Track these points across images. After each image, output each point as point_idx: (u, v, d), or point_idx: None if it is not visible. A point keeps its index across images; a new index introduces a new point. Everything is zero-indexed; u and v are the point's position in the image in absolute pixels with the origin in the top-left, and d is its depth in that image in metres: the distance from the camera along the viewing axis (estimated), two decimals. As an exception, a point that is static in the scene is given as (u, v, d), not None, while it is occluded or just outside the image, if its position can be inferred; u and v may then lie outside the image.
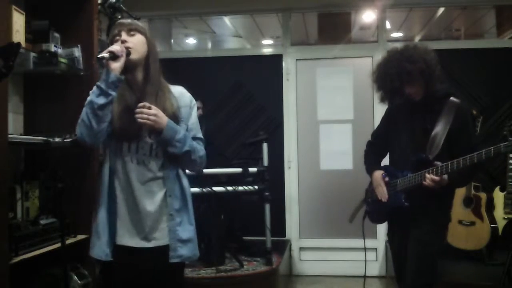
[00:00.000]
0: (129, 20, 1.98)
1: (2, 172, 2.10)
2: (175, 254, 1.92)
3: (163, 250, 1.92)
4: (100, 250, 1.92)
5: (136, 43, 1.91)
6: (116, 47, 1.85)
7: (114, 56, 1.83)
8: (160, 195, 1.93)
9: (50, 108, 2.88)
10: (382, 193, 2.57)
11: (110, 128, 1.90)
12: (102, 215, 1.94)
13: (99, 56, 1.85)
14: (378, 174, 2.62)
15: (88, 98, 1.86)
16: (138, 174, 1.91)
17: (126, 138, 1.92)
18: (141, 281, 1.93)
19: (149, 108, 1.84)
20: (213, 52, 6.08)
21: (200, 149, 2.00)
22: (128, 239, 1.91)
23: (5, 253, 2.11)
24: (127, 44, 1.89)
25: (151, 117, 1.83)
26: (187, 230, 1.96)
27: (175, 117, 1.93)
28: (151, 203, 1.91)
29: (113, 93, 1.84)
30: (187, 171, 2.07)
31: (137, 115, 1.83)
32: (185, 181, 2.00)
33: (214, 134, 5.02)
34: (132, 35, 1.92)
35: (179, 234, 1.93)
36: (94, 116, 1.83)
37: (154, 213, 1.91)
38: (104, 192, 1.94)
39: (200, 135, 2.05)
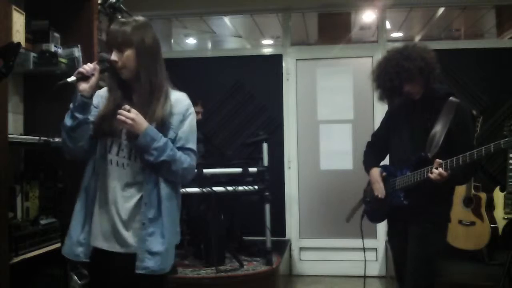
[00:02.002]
0: (120, 32, 1.85)
1: (2, 172, 2.10)
2: (141, 265, 1.82)
3: (131, 259, 1.84)
4: (69, 249, 1.89)
5: (125, 62, 1.84)
6: (86, 67, 1.80)
7: (83, 77, 1.79)
8: (134, 200, 1.86)
9: (50, 108, 2.87)
10: (379, 189, 2.57)
11: (95, 140, 1.89)
12: (76, 215, 1.91)
13: (65, 81, 1.79)
14: (376, 170, 2.63)
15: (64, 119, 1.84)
16: (117, 177, 1.87)
17: (104, 136, 1.89)
18: (118, 285, 1.90)
19: (129, 111, 1.79)
20: (213, 52, 6.08)
21: (185, 160, 1.88)
22: (102, 241, 1.88)
23: (5, 253, 2.11)
24: (118, 65, 1.84)
25: (128, 120, 1.77)
26: (158, 243, 1.84)
27: (163, 123, 1.86)
28: (124, 208, 1.86)
29: (80, 116, 1.80)
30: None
31: (117, 116, 1.79)
32: (164, 190, 1.87)
33: (214, 134, 5.03)
34: (122, 52, 1.84)
35: (148, 245, 1.82)
36: (67, 136, 1.83)
37: (128, 218, 1.85)
38: (82, 193, 1.92)
39: (190, 145, 1.93)
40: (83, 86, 1.79)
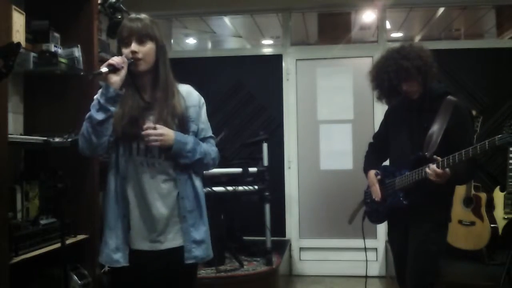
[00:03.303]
0: (138, 23, 1.87)
1: (2, 172, 2.10)
2: (190, 255, 1.91)
3: (176, 252, 1.91)
4: (108, 257, 1.92)
5: (146, 53, 1.86)
6: (116, 59, 1.79)
7: (114, 69, 1.78)
8: (172, 196, 1.91)
9: (50, 108, 2.88)
10: (376, 192, 2.59)
11: (113, 137, 1.88)
12: (108, 221, 1.93)
13: (98, 71, 1.80)
14: (372, 173, 2.65)
15: (89, 113, 1.83)
16: (151, 177, 1.89)
17: (127, 140, 1.90)
18: (154, 284, 1.92)
19: (154, 128, 1.81)
20: (213, 52, 6.08)
21: (211, 151, 1.99)
22: (141, 242, 1.90)
23: (5, 253, 2.11)
24: (137, 55, 1.84)
25: (159, 138, 1.81)
26: (201, 231, 1.94)
27: (183, 118, 1.91)
28: (163, 206, 1.89)
29: (112, 109, 1.80)
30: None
31: (145, 139, 1.81)
32: (198, 182, 1.97)
33: (214, 134, 5.02)
34: (143, 43, 1.86)
35: (193, 235, 1.92)
36: (94, 131, 1.81)
37: (167, 215, 1.90)
38: (111, 200, 1.92)
39: (210, 133, 2.04)
40: (114, 79, 1.79)
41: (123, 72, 1.80)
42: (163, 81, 1.90)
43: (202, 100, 2.03)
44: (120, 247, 1.90)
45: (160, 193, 1.90)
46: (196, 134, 1.97)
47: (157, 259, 1.90)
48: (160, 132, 1.82)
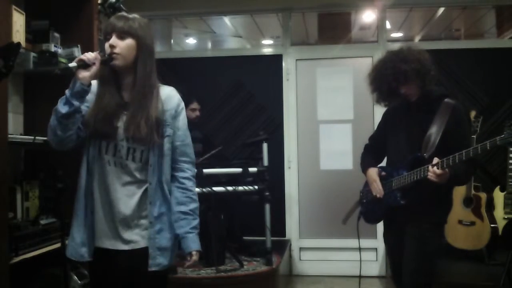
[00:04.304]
0: (122, 20, 1.87)
1: (2, 172, 2.10)
2: (154, 263, 1.87)
3: (141, 254, 1.87)
4: (74, 250, 1.90)
5: (124, 49, 1.84)
6: (87, 55, 1.78)
7: (84, 65, 1.77)
8: (136, 198, 1.88)
9: (50, 108, 2.83)
10: (378, 189, 2.57)
11: (84, 132, 1.87)
12: (76, 216, 1.92)
13: (65, 66, 1.78)
14: (373, 170, 2.63)
15: (56, 106, 1.82)
16: (116, 177, 1.87)
17: (98, 137, 1.88)
18: (121, 284, 1.91)
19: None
20: (213, 52, 6.08)
21: (187, 199, 1.96)
22: (105, 240, 1.88)
23: (5, 253, 2.11)
24: (114, 50, 1.83)
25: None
26: (166, 238, 1.91)
27: (158, 122, 1.87)
28: (127, 206, 1.87)
29: (76, 103, 1.78)
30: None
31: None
32: (167, 188, 1.92)
33: (214, 134, 5.03)
34: (122, 39, 1.84)
35: (158, 242, 1.88)
36: (59, 123, 1.79)
37: (131, 216, 1.87)
38: (81, 194, 1.91)
39: (187, 149, 1.97)
40: (83, 74, 1.77)
41: (93, 68, 1.78)
42: (140, 81, 1.87)
43: (182, 105, 1.98)
44: (85, 242, 1.88)
45: (124, 193, 1.87)
46: (172, 139, 1.93)
47: (121, 259, 1.88)
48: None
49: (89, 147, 1.90)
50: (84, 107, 1.85)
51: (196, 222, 1.95)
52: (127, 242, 1.87)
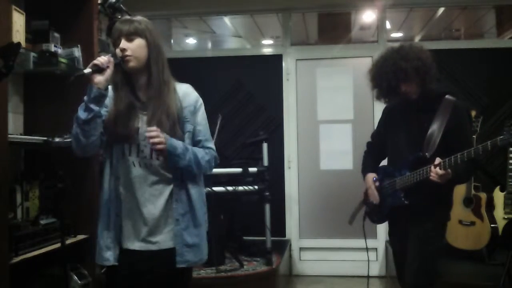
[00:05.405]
0: (127, 24, 1.88)
1: (2, 172, 2.10)
2: (182, 259, 1.90)
3: (168, 254, 1.90)
4: (99, 255, 1.93)
5: (135, 49, 1.86)
6: (100, 59, 1.80)
7: (98, 69, 1.78)
8: (164, 197, 1.90)
9: (50, 108, 2.88)
10: (373, 195, 2.61)
11: (105, 137, 1.89)
12: (101, 221, 1.94)
13: (80, 72, 1.79)
14: (370, 177, 2.66)
15: (76, 113, 1.83)
16: (142, 177, 1.89)
17: (120, 140, 1.90)
18: (146, 285, 1.91)
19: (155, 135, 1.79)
20: (213, 52, 6.07)
21: (205, 153, 1.95)
22: (132, 242, 1.90)
23: (5, 253, 2.11)
24: (126, 53, 1.85)
25: (162, 142, 1.79)
26: (193, 235, 1.92)
27: (178, 119, 1.90)
28: (154, 207, 1.89)
29: (96, 108, 1.79)
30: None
31: (152, 147, 1.81)
32: (191, 184, 1.94)
33: (214, 134, 5.03)
34: (131, 40, 1.86)
35: (185, 239, 1.90)
36: (81, 130, 1.81)
37: (158, 216, 1.89)
38: (105, 198, 1.93)
39: (209, 144, 1.99)
40: (99, 79, 1.79)
41: (108, 72, 1.80)
42: (156, 79, 1.89)
43: (200, 101, 2.01)
44: (110, 245, 1.90)
45: (151, 193, 1.89)
46: (192, 134, 1.95)
47: (148, 260, 1.89)
48: (162, 137, 1.80)
49: (111, 150, 1.92)
50: (103, 112, 1.87)
51: (194, 156, 1.90)
52: (154, 242, 1.89)
